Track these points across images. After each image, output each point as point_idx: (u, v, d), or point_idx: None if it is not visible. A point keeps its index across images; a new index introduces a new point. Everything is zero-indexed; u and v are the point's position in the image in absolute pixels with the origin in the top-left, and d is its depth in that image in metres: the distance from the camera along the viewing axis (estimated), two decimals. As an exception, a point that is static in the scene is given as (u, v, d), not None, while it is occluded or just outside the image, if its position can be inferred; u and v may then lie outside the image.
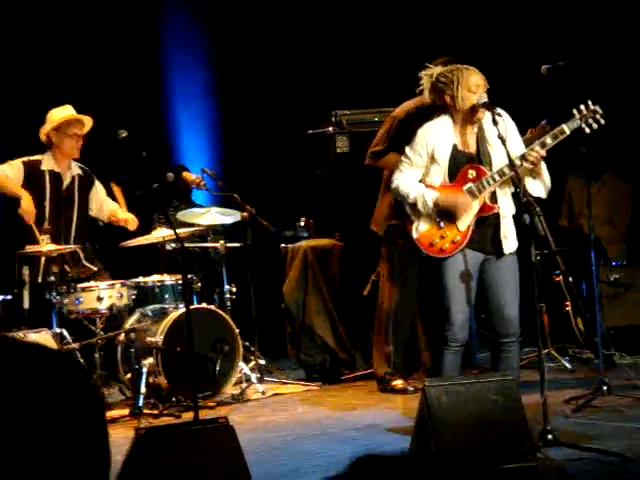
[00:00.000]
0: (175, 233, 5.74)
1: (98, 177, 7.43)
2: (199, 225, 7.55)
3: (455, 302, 5.43)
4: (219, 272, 7.51)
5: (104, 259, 7.45)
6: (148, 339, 6.73)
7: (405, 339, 7.03)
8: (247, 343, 7.38)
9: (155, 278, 7.23)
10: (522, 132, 5.56)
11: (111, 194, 7.41)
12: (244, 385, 7.07)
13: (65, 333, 6.66)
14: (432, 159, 5.47)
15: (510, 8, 8.89)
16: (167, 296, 7.17)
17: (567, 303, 7.79)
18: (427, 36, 8.89)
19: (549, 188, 5.47)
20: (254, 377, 7.16)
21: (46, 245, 6.74)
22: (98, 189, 7.38)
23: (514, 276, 5.51)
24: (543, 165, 5.40)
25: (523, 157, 5.31)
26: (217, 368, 6.79)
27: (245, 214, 7.62)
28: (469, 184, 5.43)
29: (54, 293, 6.68)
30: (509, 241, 5.47)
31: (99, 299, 6.76)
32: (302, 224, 8.03)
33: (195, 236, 7.76)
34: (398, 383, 6.89)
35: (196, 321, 6.09)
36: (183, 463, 4.15)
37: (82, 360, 6.66)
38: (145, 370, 6.57)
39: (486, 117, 5.42)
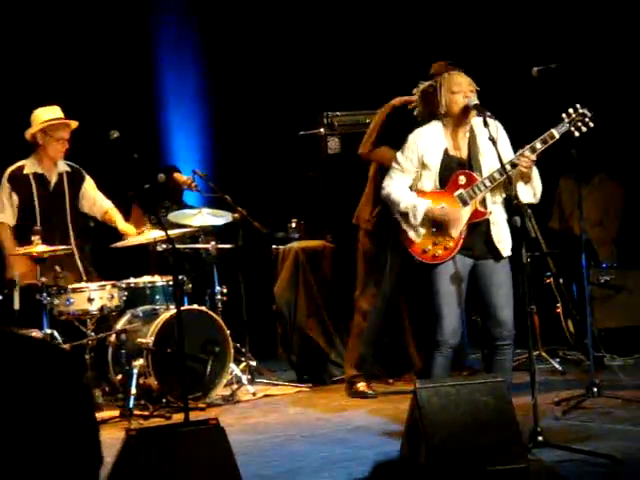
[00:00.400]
0: (166, 234, 5.74)
1: (97, 180, 7.43)
2: (190, 226, 7.55)
3: (447, 307, 5.44)
4: (210, 273, 7.51)
5: (95, 260, 7.44)
6: (139, 340, 6.72)
7: (375, 341, 7.03)
8: (238, 344, 7.38)
9: (146, 279, 7.22)
10: (512, 136, 5.56)
11: (127, 211, 7.44)
12: (235, 386, 7.06)
13: (56, 334, 6.64)
14: (423, 164, 5.48)
15: (501, 10, 8.90)
16: (158, 297, 7.16)
17: (558, 305, 7.80)
18: (419, 38, 8.91)
19: (540, 193, 5.48)
20: (245, 378, 7.16)
21: (37, 246, 6.73)
22: (88, 185, 7.36)
23: (507, 279, 5.52)
24: (535, 170, 5.41)
25: (512, 163, 5.32)
26: (208, 369, 6.78)
27: (236, 215, 7.62)
28: (460, 190, 5.43)
29: (45, 294, 6.66)
30: (503, 246, 5.48)
31: (90, 300, 6.76)
32: (293, 225, 8.03)
33: (186, 237, 7.75)
34: (360, 386, 6.93)
35: (187, 322, 6.08)
36: (173, 464, 4.15)
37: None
38: (136, 371, 6.57)
39: (477, 120, 5.43)
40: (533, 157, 5.34)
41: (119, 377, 6.76)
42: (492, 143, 5.25)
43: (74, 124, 7.20)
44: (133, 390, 6.50)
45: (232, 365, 7.02)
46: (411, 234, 5.49)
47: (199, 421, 4.55)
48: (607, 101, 7.66)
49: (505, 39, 8.77)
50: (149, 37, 9.51)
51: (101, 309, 6.80)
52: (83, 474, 1.65)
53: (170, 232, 6.14)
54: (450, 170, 5.46)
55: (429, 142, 5.48)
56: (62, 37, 8.77)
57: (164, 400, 6.61)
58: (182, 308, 6.14)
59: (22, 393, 1.62)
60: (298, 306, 7.62)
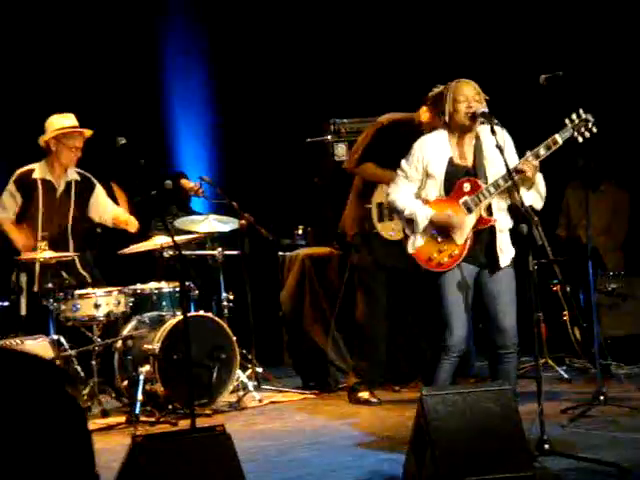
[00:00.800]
0: (173, 240, 5.74)
1: (99, 182, 7.43)
2: (197, 232, 7.56)
3: (454, 315, 5.43)
4: (217, 280, 7.51)
5: (102, 266, 7.45)
6: (145, 346, 6.72)
7: (377, 351, 7.03)
8: (244, 351, 7.38)
9: (153, 285, 7.23)
10: (519, 143, 5.55)
11: (111, 194, 7.39)
12: (241, 393, 7.07)
13: (62, 340, 6.66)
14: (427, 173, 5.48)
15: (509, 19, 8.91)
16: (164, 303, 7.16)
17: (564, 313, 7.79)
18: (426, 46, 8.91)
19: (544, 198, 5.47)
20: (251, 385, 7.16)
21: (43, 252, 6.74)
22: (99, 194, 7.35)
23: (511, 287, 5.50)
24: (539, 176, 5.40)
25: (516, 169, 5.31)
26: (214, 376, 6.78)
27: (243, 222, 7.62)
28: (465, 197, 5.43)
29: (51, 300, 6.67)
30: (505, 255, 5.47)
31: (96, 306, 6.77)
32: (300, 232, 8.04)
33: (193, 243, 7.76)
34: (364, 394, 6.94)
35: (193, 329, 6.09)
36: (179, 471, 4.14)
37: (78, 367, 6.68)
38: (142, 377, 6.57)
39: (483, 128, 5.43)
40: (536, 163, 5.34)
41: (125, 383, 6.77)
42: (499, 151, 5.24)
43: (88, 133, 7.18)
44: (139, 396, 6.50)
45: (238, 371, 7.02)
46: (416, 241, 5.49)
47: (205, 427, 4.54)
48: (614, 108, 7.66)
49: (513, 47, 8.77)
50: (157, 44, 9.52)
51: (108, 315, 6.81)
52: None
53: (177, 238, 6.15)
54: (455, 179, 5.46)
55: (434, 151, 5.48)
56: (69, 44, 8.80)
57: (170, 406, 6.61)
58: (188, 314, 6.14)
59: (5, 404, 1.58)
60: (304, 313, 7.62)
